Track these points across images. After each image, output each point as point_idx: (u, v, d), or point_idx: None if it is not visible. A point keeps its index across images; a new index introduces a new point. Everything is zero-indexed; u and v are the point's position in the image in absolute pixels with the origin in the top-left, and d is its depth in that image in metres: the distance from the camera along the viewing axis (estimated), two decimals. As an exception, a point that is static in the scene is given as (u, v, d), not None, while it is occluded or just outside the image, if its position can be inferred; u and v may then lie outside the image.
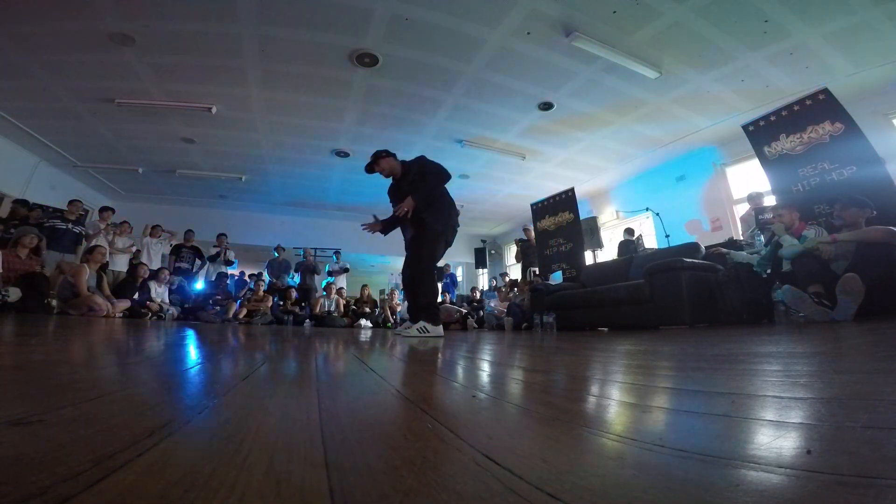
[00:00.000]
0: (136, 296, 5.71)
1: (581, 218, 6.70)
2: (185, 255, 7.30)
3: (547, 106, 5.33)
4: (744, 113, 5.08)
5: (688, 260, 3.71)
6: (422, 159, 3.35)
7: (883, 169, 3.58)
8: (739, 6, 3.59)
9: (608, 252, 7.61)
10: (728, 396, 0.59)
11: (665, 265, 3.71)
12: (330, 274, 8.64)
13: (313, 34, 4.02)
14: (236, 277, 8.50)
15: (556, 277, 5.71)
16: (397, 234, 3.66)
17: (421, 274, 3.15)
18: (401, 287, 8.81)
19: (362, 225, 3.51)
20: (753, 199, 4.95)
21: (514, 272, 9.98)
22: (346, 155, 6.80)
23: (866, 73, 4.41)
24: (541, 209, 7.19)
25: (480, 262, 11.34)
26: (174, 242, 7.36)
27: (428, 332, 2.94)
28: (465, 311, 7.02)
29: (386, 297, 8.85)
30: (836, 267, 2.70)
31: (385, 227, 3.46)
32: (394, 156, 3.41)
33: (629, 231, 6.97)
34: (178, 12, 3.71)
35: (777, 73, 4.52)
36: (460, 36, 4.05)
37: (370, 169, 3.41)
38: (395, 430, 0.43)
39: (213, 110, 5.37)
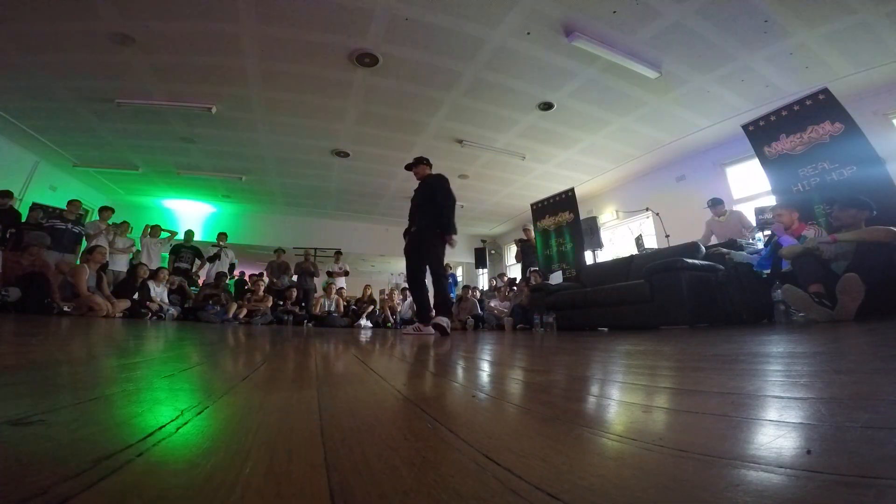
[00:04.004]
0: (135, 296, 5.71)
1: (581, 218, 6.70)
2: (185, 255, 7.31)
3: (547, 106, 5.33)
4: (744, 113, 5.08)
5: (688, 260, 3.71)
6: (437, 181, 3.74)
7: (883, 169, 3.58)
8: (739, 6, 3.59)
9: (608, 252, 7.61)
10: (728, 396, 0.59)
11: (665, 265, 3.71)
12: (329, 275, 8.64)
13: (313, 34, 4.02)
14: (236, 278, 8.51)
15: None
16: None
17: (436, 277, 3.61)
18: (400, 287, 8.88)
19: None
20: (715, 205, 5.00)
21: (514, 272, 9.98)
22: (346, 155, 6.80)
23: (866, 73, 4.41)
24: (541, 209, 7.19)
25: (480, 262, 11.33)
26: (174, 242, 7.37)
27: (447, 329, 3.34)
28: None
29: (386, 297, 8.84)
30: (836, 267, 2.70)
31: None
32: (429, 165, 3.96)
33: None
34: (178, 12, 3.71)
35: (777, 73, 4.52)
36: (460, 36, 4.05)
37: (410, 168, 3.96)
38: (395, 430, 0.43)
39: (213, 110, 5.37)
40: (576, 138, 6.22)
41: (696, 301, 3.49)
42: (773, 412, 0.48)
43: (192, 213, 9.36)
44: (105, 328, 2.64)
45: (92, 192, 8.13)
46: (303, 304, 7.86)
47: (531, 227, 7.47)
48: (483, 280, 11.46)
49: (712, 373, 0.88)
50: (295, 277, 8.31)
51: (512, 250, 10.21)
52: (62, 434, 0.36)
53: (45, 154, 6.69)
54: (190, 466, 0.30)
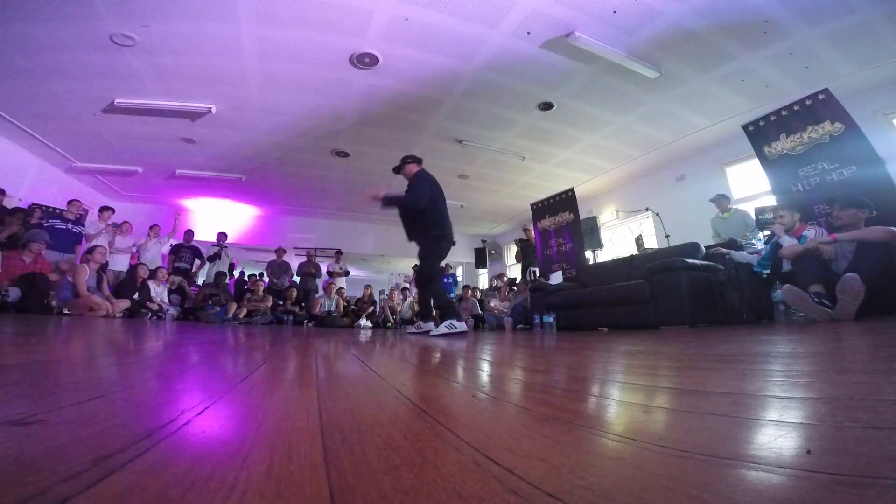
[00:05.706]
0: (135, 296, 5.71)
1: (581, 218, 6.70)
2: (185, 255, 7.31)
3: (547, 106, 5.32)
4: (744, 113, 5.08)
5: (688, 260, 3.71)
6: (412, 178, 3.63)
7: (883, 169, 3.57)
8: (739, 6, 3.59)
9: (608, 252, 7.61)
10: (728, 396, 0.59)
11: (665, 265, 3.71)
12: (329, 274, 8.64)
13: (313, 34, 4.02)
14: (235, 278, 8.51)
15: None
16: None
17: (427, 282, 3.64)
18: (400, 287, 8.89)
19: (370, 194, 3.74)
20: (718, 200, 5.01)
21: (514, 272, 9.98)
22: (346, 155, 6.80)
23: (866, 73, 4.41)
24: (541, 209, 7.18)
25: (480, 262, 11.33)
26: (174, 242, 7.37)
27: (456, 327, 3.24)
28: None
29: (386, 297, 8.85)
30: (836, 267, 2.70)
31: (384, 201, 3.67)
32: (417, 162, 3.78)
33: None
34: (177, 12, 3.71)
35: (777, 73, 4.52)
36: (460, 36, 4.04)
37: (398, 171, 3.81)
38: (395, 430, 0.43)
39: (213, 110, 5.37)
40: (576, 138, 6.21)
41: (696, 301, 3.49)
42: (773, 412, 0.48)
43: (192, 213, 9.36)
44: (105, 328, 2.64)
45: (92, 192, 8.13)
46: (303, 304, 7.86)
47: (531, 227, 7.47)
48: (483, 280, 11.45)
49: (712, 373, 0.88)
50: (297, 278, 8.30)
51: (512, 250, 10.21)
52: (62, 434, 0.36)
53: (45, 154, 6.68)
54: (190, 466, 0.30)
